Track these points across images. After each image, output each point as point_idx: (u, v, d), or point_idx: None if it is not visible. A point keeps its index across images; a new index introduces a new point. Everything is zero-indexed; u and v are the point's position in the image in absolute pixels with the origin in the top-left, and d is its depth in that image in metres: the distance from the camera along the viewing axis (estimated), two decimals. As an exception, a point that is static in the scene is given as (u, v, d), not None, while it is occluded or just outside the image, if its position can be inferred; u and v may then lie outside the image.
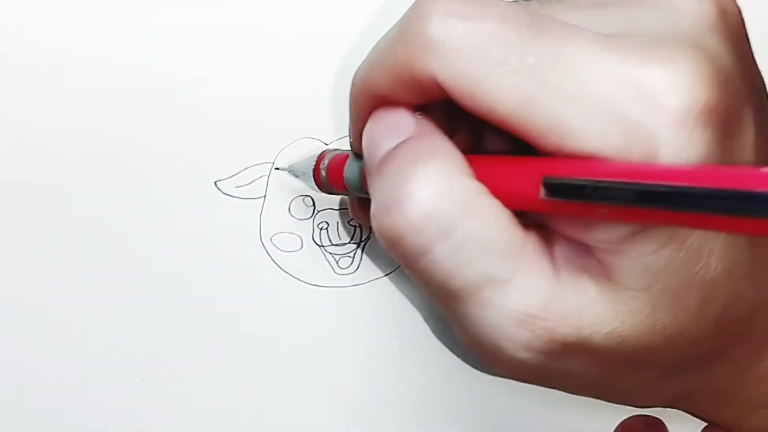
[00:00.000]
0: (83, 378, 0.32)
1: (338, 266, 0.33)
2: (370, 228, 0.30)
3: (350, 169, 0.28)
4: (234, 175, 0.32)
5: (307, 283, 0.32)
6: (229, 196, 0.32)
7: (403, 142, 0.25)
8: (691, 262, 0.23)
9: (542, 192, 0.22)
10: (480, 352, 0.25)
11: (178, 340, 0.32)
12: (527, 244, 0.24)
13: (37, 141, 0.31)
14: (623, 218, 0.22)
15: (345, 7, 0.32)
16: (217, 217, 0.32)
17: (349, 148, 0.28)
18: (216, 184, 0.32)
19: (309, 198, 0.32)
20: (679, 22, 0.23)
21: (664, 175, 0.19)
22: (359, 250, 0.33)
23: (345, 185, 0.28)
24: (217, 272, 0.32)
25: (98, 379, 0.32)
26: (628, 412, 0.33)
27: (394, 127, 0.25)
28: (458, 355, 0.33)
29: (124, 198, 0.31)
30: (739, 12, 0.25)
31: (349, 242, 0.33)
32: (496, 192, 0.24)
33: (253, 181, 0.32)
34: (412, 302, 0.33)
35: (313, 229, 0.32)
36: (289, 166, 0.31)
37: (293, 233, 0.32)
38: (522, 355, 0.24)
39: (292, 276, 0.32)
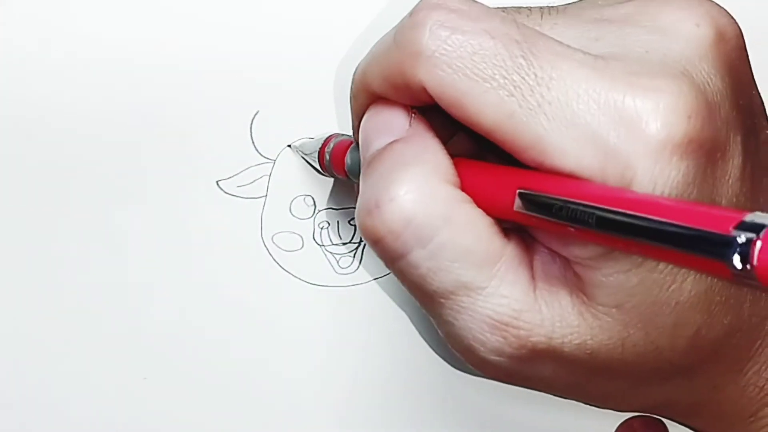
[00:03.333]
0: (85, 376, 0.32)
1: (339, 266, 0.33)
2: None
3: (351, 157, 0.29)
4: (236, 174, 0.32)
5: (307, 282, 0.33)
6: (230, 196, 0.32)
7: (392, 142, 0.25)
8: (665, 283, 0.23)
9: (517, 204, 0.23)
10: (455, 349, 0.26)
11: (180, 339, 0.32)
12: (506, 253, 0.24)
13: (39, 139, 0.31)
14: (589, 239, 0.22)
15: (349, 4, 0.32)
16: (219, 216, 0.32)
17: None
18: (218, 184, 0.32)
19: (310, 198, 0.33)
20: (673, 46, 0.23)
21: (629, 204, 0.20)
22: (360, 250, 0.33)
23: (345, 171, 0.29)
24: (219, 271, 0.32)
25: (100, 377, 0.32)
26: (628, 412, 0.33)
27: (387, 126, 0.26)
28: (446, 360, 0.33)
29: (126, 197, 0.31)
30: (739, 35, 0.25)
31: (350, 242, 0.33)
32: (479, 198, 0.24)
33: (254, 181, 0.32)
34: (412, 302, 0.33)
35: (314, 229, 0.33)
36: (300, 145, 0.32)
37: (294, 232, 0.33)
38: (493, 358, 0.25)
39: (292, 275, 0.33)
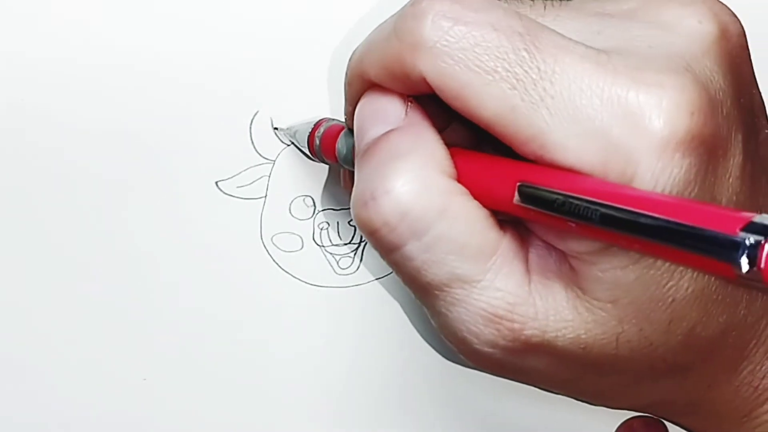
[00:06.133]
0: (85, 377, 0.32)
1: (339, 266, 0.33)
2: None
3: (342, 143, 0.28)
4: (235, 175, 0.32)
5: (307, 283, 0.33)
6: (230, 197, 0.32)
7: (388, 132, 0.25)
8: (662, 280, 0.23)
9: (516, 197, 0.23)
10: (448, 341, 0.26)
11: (179, 340, 0.32)
12: (501, 246, 0.24)
13: (38, 140, 0.31)
14: (590, 235, 0.22)
15: (353, 4, 0.32)
16: (218, 217, 0.32)
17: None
18: (217, 185, 0.32)
19: (309, 198, 0.32)
20: (676, 42, 0.23)
21: (633, 201, 0.20)
22: (360, 250, 0.33)
23: (336, 157, 0.29)
24: (218, 272, 0.32)
25: (100, 378, 0.32)
26: (628, 413, 0.33)
27: (383, 114, 0.25)
28: (448, 358, 0.33)
29: (125, 198, 0.31)
30: (742, 33, 0.25)
31: (350, 242, 0.33)
32: (476, 189, 0.24)
33: (254, 182, 0.32)
34: (412, 302, 0.33)
35: (314, 229, 0.33)
36: (288, 128, 0.32)
37: (294, 233, 0.32)
38: (486, 350, 0.25)
39: (292, 276, 0.33)
